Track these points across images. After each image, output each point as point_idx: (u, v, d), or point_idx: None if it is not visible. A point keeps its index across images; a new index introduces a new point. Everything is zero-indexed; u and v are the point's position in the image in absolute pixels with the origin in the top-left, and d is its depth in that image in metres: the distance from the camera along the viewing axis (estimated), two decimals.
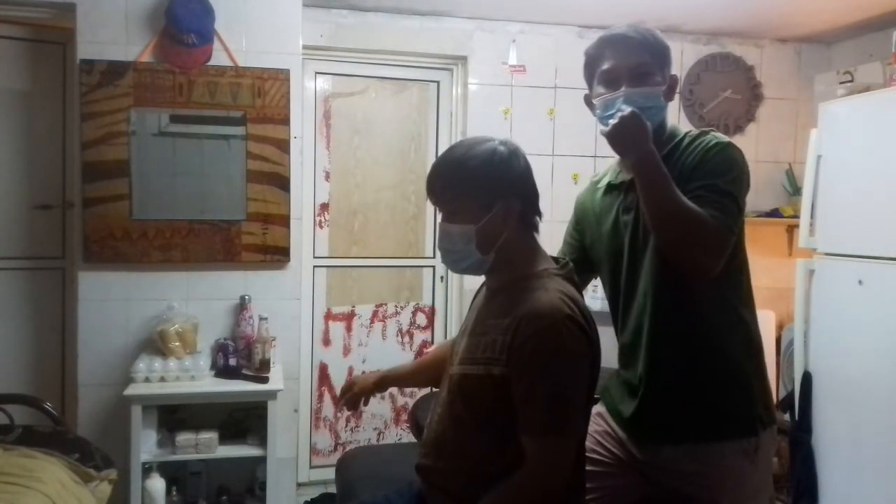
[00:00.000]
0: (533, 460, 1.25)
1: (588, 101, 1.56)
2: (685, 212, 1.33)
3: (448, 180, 1.38)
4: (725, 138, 1.44)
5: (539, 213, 1.41)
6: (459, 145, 1.43)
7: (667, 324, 1.45)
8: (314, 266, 3.34)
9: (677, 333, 1.45)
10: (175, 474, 2.74)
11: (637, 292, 1.50)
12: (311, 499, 3.12)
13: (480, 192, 1.34)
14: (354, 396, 1.70)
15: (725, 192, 1.36)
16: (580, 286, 1.66)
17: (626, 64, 1.44)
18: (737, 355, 1.45)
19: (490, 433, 1.33)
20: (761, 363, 1.50)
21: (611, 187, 1.58)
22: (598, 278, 1.70)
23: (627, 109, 1.37)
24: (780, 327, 3.37)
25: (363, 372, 3.41)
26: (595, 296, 3.31)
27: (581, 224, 1.68)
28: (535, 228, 1.42)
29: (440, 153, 1.48)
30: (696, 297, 1.43)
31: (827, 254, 2.69)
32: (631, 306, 1.53)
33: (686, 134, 1.47)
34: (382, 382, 1.71)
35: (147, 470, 2.54)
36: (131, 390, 2.51)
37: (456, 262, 1.42)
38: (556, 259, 1.43)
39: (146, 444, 2.57)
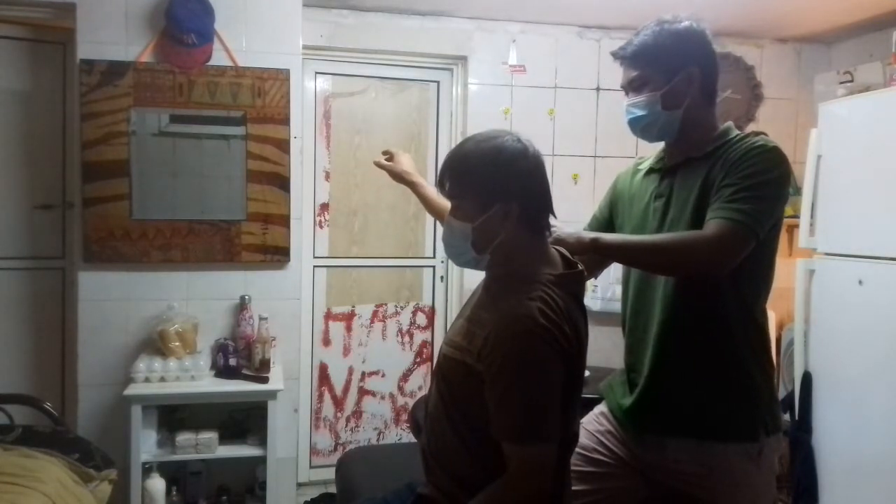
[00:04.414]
0: (513, 467, 1.24)
1: None
2: (661, 248, 1.40)
3: (452, 175, 1.36)
4: (772, 142, 1.43)
5: (547, 214, 1.38)
6: (470, 139, 1.39)
7: (680, 316, 1.45)
8: (314, 266, 3.34)
9: (689, 327, 1.45)
10: (175, 474, 2.74)
11: (654, 280, 1.51)
12: (311, 499, 3.12)
13: (480, 192, 1.33)
14: (389, 166, 1.93)
15: (754, 192, 1.35)
16: (593, 272, 1.68)
17: (626, 79, 1.54)
18: (746, 357, 1.45)
19: (465, 417, 1.33)
20: (769, 369, 1.49)
21: (650, 171, 1.59)
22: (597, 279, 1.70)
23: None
24: (780, 327, 3.36)
25: (363, 372, 3.43)
26: (595, 296, 3.32)
27: (614, 205, 1.69)
28: (544, 229, 1.39)
29: (452, 147, 1.46)
30: (713, 293, 1.42)
31: (827, 254, 2.69)
32: (645, 294, 1.53)
33: (737, 135, 1.48)
34: (409, 182, 1.91)
35: (147, 470, 2.54)
36: (131, 390, 2.51)
37: (455, 255, 1.43)
38: (572, 263, 1.41)
39: (146, 444, 2.57)
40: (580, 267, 1.41)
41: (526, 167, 1.34)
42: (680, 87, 1.47)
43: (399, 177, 1.93)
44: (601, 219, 1.72)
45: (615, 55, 1.55)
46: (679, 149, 1.52)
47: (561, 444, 1.30)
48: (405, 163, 1.93)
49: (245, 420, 2.78)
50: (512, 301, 1.27)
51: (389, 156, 1.96)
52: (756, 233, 1.34)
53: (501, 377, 1.24)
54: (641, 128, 1.53)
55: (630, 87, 1.53)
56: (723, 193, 1.37)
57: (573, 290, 1.36)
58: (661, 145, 1.60)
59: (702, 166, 1.45)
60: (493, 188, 1.32)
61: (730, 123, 1.52)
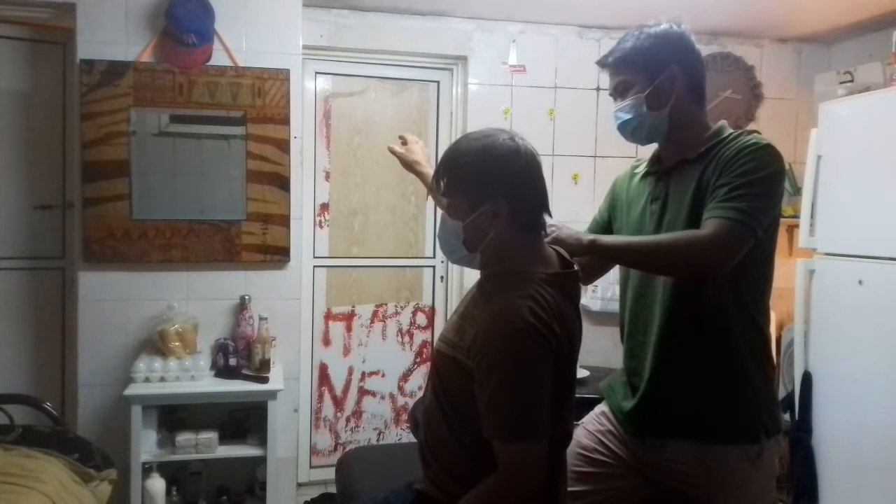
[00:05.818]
0: (503, 465, 1.24)
1: None
2: (660, 248, 1.40)
3: (445, 173, 1.37)
4: (765, 140, 1.43)
5: (541, 213, 1.37)
6: (464, 138, 1.40)
7: (680, 319, 1.45)
8: (314, 266, 3.34)
9: (689, 330, 1.45)
10: (175, 474, 2.74)
11: (652, 283, 1.51)
12: (311, 499, 3.12)
13: (470, 190, 1.33)
14: (401, 154, 1.92)
15: (750, 189, 1.35)
16: (594, 277, 1.68)
17: (611, 86, 1.57)
18: (745, 359, 1.44)
19: (457, 412, 1.34)
20: (770, 371, 1.49)
21: (646, 174, 1.60)
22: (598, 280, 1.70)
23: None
24: (780, 327, 3.36)
25: (363, 372, 3.42)
26: (594, 296, 3.32)
27: (613, 208, 1.70)
28: (538, 229, 1.38)
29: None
30: (712, 295, 1.42)
31: (827, 254, 2.70)
32: (644, 298, 1.53)
33: (730, 133, 1.48)
34: (417, 172, 1.89)
35: (147, 470, 2.54)
36: (131, 390, 2.51)
37: (449, 252, 1.44)
38: (569, 263, 1.41)
39: (146, 444, 2.57)
40: (576, 267, 1.41)
41: (517, 166, 1.33)
42: (663, 87, 1.48)
43: (409, 165, 1.92)
44: (601, 222, 1.72)
45: (600, 64, 1.57)
46: (672, 150, 1.53)
47: (554, 442, 1.30)
48: (417, 152, 1.91)
49: (245, 420, 2.78)
50: (503, 299, 1.27)
51: (404, 140, 1.95)
52: (754, 230, 1.35)
53: (490, 375, 1.24)
54: (630, 131, 1.54)
55: (616, 92, 1.55)
56: (718, 193, 1.38)
57: (567, 290, 1.36)
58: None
59: (696, 167, 1.45)
60: (481, 187, 1.32)
61: (723, 122, 1.52)
